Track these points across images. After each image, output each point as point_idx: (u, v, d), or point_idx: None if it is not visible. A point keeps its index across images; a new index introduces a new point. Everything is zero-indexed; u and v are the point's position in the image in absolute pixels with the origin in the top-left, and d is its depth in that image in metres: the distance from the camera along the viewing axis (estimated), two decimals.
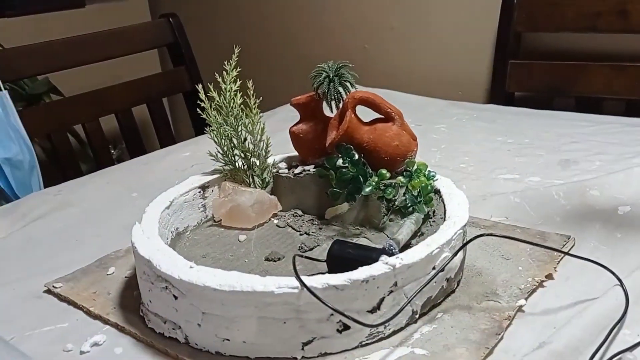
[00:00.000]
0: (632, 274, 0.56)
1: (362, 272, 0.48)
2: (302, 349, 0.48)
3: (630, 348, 0.47)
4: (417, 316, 0.52)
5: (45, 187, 1.13)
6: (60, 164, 1.26)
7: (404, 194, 0.64)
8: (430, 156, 0.97)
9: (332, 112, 0.67)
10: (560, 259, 0.60)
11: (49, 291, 0.63)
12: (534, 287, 0.56)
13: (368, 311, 0.49)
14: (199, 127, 1.60)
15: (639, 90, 1.17)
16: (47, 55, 1.31)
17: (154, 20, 2.05)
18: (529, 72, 1.31)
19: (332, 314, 0.47)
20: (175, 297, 0.50)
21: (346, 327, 0.48)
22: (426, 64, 1.55)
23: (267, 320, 0.47)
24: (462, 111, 1.22)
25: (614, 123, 1.05)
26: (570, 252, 0.62)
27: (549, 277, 0.58)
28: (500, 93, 1.34)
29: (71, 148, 1.32)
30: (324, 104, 0.68)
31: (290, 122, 0.71)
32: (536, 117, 1.14)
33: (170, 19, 1.54)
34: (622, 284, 0.54)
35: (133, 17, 2.09)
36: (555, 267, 0.59)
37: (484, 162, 0.92)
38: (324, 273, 0.57)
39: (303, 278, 0.46)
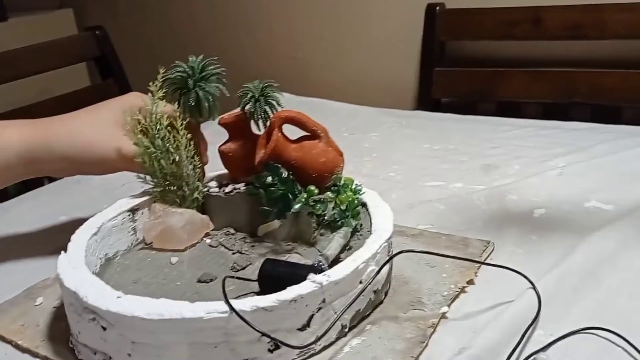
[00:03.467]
0: (545, 276, 0.60)
1: (290, 292, 0.49)
2: None
3: (544, 348, 0.51)
4: (346, 330, 0.54)
5: None
6: None
7: (333, 208, 0.66)
8: (362, 166, 0.99)
9: (259, 130, 0.68)
10: (480, 265, 0.64)
11: None
12: (456, 293, 0.59)
13: (298, 329, 0.50)
14: None
15: (554, 93, 1.24)
16: None
17: (80, 33, 2.00)
18: (453, 79, 1.36)
19: (262, 335, 0.48)
20: (104, 328, 0.49)
21: (277, 347, 0.50)
22: (356, 72, 1.58)
23: (198, 345, 0.48)
24: (393, 119, 1.25)
25: (531, 127, 1.11)
26: (490, 257, 0.66)
27: (470, 282, 0.61)
28: (427, 99, 1.39)
29: None
30: (252, 123, 0.69)
31: (219, 137, 0.71)
32: (461, 122, 1.19)
33: (97, 32, 1.51)
34: (534, 287, 0.57)
35: (59, 30, 2.03)
36: (475, 273, 0.62)
37: (412, 169, 0.96)
38: (256, 292, 0.58)
39: (232, 301, 0.47)
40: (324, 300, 0.51)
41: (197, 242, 0.69)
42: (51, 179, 1.48)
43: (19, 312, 0.63)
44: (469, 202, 0.80)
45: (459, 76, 1.34)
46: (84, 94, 1.52)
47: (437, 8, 1.34)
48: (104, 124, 0.70)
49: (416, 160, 1.00)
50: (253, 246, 0.68)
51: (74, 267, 0.54)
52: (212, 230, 0.71)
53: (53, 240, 0.80)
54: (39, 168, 0.72)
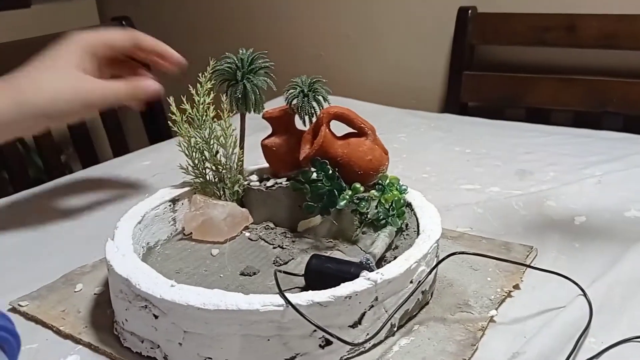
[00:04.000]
0: (593, 284, 0.59)
1: (345, 289, 0.48)
2: None
3: (597, 355, 0.50)
4: (395, 329, 0.54)
5: None
6: (8, 171, 1.22)
7: (376, 207, 0.65)
8: (394, 167, 0.97)
9: (305, 126, 0.68)
10: (525, 270, 0.63)
11: (13, 309, 0.61)
12: (503, 297, 0.59)
13: (349, 326, 0.50)
14: (152, 134, 1.58)
15: (585, 102, 1.24)
16: None
17: (104, 22, 2.01)
18: (482, 83, 1.35)
19: (315, 330, 0.48)
20: (156, 316, 0.49)
21: (328, 343, 0.49)
22: (381, 72, 1.58)
23: (251, 338, 0.47)
24: (419, 120, 1.25)
25: (563, 134, 1.10)
26: (534, 262, 0.65)
27: (516, 287, 0.61)
28: (455, 103, 1.38)
29: (19, 153, 1.27)
30: (297, 118, 0.68)
31: (257, 132, 0.71)
32: (490, 127, 1.18)
33: (123, 22, 1.51)
34: (585, 294, 0.57)
35: (81, 19, 2.03)
36: (521, 278, 0.62)
37: (445, 172, 0.95)
38: (300, 287, 0.58)
39: (287, 295, 0.47)
40: (376, 298, 0.50)
41: (236, 235, 0.69)
42: (67, 164, 1.48)
43: (58, 298, 0.62)
44: (507, 206, 0.80)
45: (488, 80, 1.34)
46: None
47: (469, 11, 1.33)
48: (70, 69, 0.69)
49: (448, 162, 1.00)
50: (293, 241, 0.67)
51: (123, 255, 0.54)
52: (252, 224, 0.71)
53: (86, 227, 0.79)
54: (8, 131, 0.70)
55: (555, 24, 1.25)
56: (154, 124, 1.55)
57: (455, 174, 0.94)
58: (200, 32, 1.86)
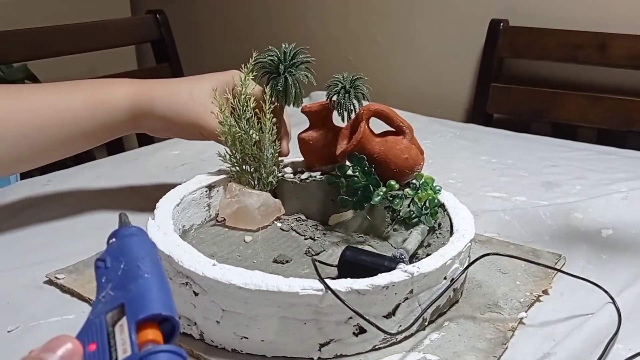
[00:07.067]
0: (622, 293, 0.60)
1: (382, 278, 0.49)
2: (319, 350, 0.50)
3: None
4: (426, 323, 0.55)
5: (21, 177, 1.11)
6: None
7: (409, 205, 0.66)
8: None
9: (343, 122, 0.69)
10: (554, 276, 0.64)
11: (50, 282, 0.63)
12: (532, 301, 0.59)
13: (384, 316, 0.51)
14: None
15: (612, 120, 1.24)
16: (26, 42, 1.29)
17: (136, 14, 2.03)
18: (509, 96, 1.36)
19: (350, 317, 0.49)
20: (196, 294, 0.50)
21: (362, 331, 0.50)
22: (408, 79, 1.59)
23: (288, 321, 0.49)
24: (445, 128, 1.26)
25: (589, 150, 1.11)
26: (563, 269, 0.66)
27: (545, 292, 0.61)
28: (480, 114, 1.39)
29: None
30: (334, 113, 0.70)
31: (293, 127, 0.72)
32: (515, 139, 1.19)
33: (157, 15, 1.54)
34: (614, 302, 0.57)
35: (113, 10, 2.06)
36: (550, 283, 0.62)
37: (472, 179, 0.96)
38: (333, 278, 0.58)
39: (327, 281, 0.48)
40: (411, 291, 0.51)
41: (268, 225, 0.70)
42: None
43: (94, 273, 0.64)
44: (535, 215, 0.80)
45: (516, 93, 1.35)
46: (138, 75, 1.55)
47: (501, 24, 1.34)
48: (201, 93, 0.73)
49: (475, 170, 1.01)
50: (325, 234, 0.68)
51: (164, 233, 0.55)
52: (283, 215, 0.72)
53: (120, 208, 0.81)
54: (140, 125, 0.75)
55: (586, 41, 1.26)
56: None
57: (481, 182, 0.94)
58: (232, 28, 1.88)
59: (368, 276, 0.50)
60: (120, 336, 0.32)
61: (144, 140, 1.46)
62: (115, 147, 1.41)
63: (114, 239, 0.38)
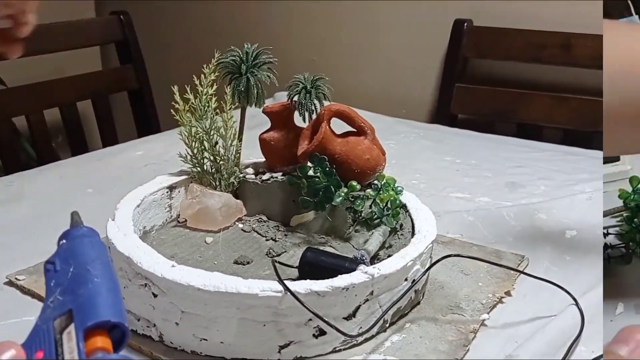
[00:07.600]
0: (585, 294, 0.60)
1: (342, 280, 0.49)
2: (279, 351, 0.49)
3: None
4: (387, 325, 0.54)
5: None
6: (2, 154, 1.22)
7: (370, 206, 0.66)
8: (383, 172, 0.99)
9: (304, 122, 0.68)
10: (517, 277, 0.64)
11: (10, 283, 0.61)
12: (495, 302, 0.59)
13: (344, 318, 0.50)
14: (143, 127, 1.57)
15: (577, 120, 1.25)
16: None
17: (100, 15, 1.99)
18: (474, 96, 1.37)
19: (310, 319, 0.48)
20: (155, 295, 0.49)
21: (322, 333, 0.49)
22: (373, 80, 1.58)
23: (247, 322, 0.48)
24: (409, 129, 1.26)
25: (554, 151, 1.12)
26: (526, 271, 0.66)
27: (508, 293, 0.61)
28: (444, 114, 1.39)
29: (12, 139, 1.27)
30: (296, 114, 0.69)
31: (254, 128, 0.71)
32: (480, 140, 1.20)
33: (122, 17, 1.51)
34: (577, 304, 0.58)
35: (77, 11, 2.02)
36: (513, 285, 0.63)
37: (435, 180, 0.96)
38: (293, 279, 0.58)
39: (286, 282, 0.47)
40: (372, 293, 0.51)
41: (229, 226, 0.69)
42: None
43: None
44: (498, 216, 0.81)
45: (480, 94, 1.35)
46: (101, 76, 1.54)
47: (465, 24, 1.35)
48: None
49: (438, 171, 1.01)
50: (286, 235, 0.68)
51: (124, 234, 0.54)
52: (245, 215, 0.71)
53: (81, 209, 0.78)
54: None
55: (551, 41, 1.27)
56: (144, 117, 1.54)
57: (444, 182, 0.95)
58: (195, 29, 1.85)
59: (329, 277, 0.49)
60: (68, 344, 0.30)
61: (109, 140, 1.44)
62: (79, 147, 1.38)
63: (64, 240, 0.37)
